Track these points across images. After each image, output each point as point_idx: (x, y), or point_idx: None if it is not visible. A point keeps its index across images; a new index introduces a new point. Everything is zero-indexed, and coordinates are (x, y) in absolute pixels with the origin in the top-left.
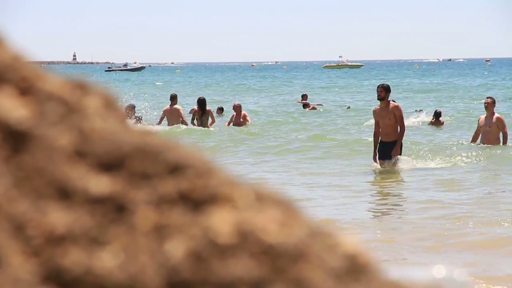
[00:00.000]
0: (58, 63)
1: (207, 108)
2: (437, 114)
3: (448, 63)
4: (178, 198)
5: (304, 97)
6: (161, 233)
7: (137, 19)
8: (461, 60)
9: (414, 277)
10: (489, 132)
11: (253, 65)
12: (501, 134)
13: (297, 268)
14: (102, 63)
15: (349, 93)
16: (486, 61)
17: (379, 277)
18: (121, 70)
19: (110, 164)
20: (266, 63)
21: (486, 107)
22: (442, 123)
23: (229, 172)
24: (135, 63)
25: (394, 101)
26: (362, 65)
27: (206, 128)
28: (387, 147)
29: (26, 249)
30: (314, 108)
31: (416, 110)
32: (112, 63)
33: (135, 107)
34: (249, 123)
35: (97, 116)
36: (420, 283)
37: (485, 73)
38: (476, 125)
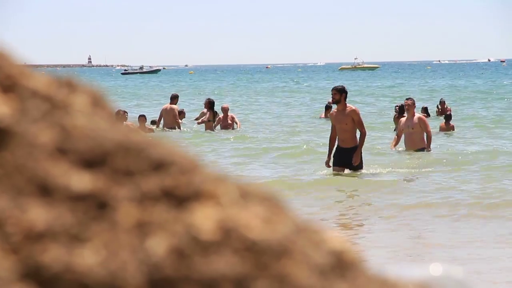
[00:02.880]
0: (74, 66)
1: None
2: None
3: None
4: (161, 194)
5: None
6: (143, 230)
7: (150, 22)
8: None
9: (410, 275)
10: (413, 134)
11: (267, 67)
12: (425, 135)
13: (280, 265)
14: (117, 65)
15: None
16: (501, 61)
17: (365, 274)
18: (137, 73)
19: (92, 161)
20: (280, 65)
21: (407, 109)
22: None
23: (213, 169)
24: (121, 66)
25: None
26: (378, 67)
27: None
28: (344, 154)
29: (4, 246)
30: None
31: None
32: (128, 66)
33: (126, 112)
34: (238, 126)
35: (80, 113)
36: (408, 280)
37: None
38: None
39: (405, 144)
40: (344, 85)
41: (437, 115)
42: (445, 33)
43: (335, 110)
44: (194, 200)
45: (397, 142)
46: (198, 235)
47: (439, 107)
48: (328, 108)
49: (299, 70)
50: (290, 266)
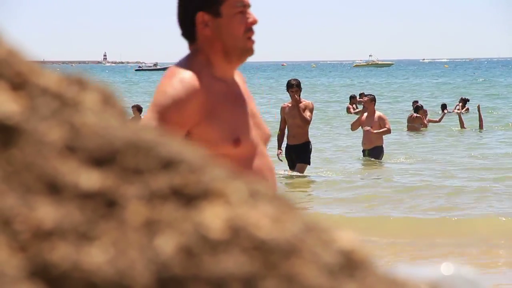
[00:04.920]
0: (89, 62)
1: None
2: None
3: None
4: (170, 193)
5: (362, 95)
6: (152, 228)
7: (165, 19)
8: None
9: (421, 275)
10: (371, 132)
11: (283, 65)
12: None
13: (289, 264)
14: (132, 62)
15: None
16: None
17: (375, 274)
18: (151, 69)
19: (101, 159)
20: (296, 62)
21: (366, 106)
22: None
23: (223, 168)
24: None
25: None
26: (392, 64)
27: None
28: (293, 152)
29: (12, 244)
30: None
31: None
32: (143, 62)
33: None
34: None
35: (90, 111)
36: (418, 280)
37: None
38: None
39: (362, 141)
40: (296, 78)
41: (458, 114)
42: (459, 31)
43: (288, 104)
44: (203, 199)
45: (356, 125)
46: (207, 234)
47: (460, 105)
48: (353, 98)
49: (313, 66)
50: (299, 266)
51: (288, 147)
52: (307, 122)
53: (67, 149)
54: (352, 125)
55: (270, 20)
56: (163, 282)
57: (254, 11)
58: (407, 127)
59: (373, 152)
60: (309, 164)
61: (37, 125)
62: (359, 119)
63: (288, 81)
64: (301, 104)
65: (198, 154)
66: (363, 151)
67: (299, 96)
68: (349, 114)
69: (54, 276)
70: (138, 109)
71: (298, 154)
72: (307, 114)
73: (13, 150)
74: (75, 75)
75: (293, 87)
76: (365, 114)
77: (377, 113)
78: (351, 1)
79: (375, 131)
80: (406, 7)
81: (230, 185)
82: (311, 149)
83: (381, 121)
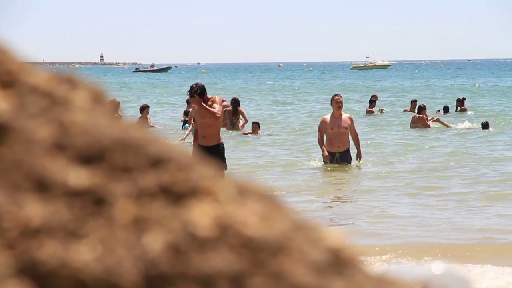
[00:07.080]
0: (86, 63)
1: (239, 108)
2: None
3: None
4: (158, 191)
5: (375, 97)
6: (140, 226)
7: (161, 20)
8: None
9: (412, 273)
10: (344, 134)
11: (279, 65)
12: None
13: (277, 262)
14: (129, 63)
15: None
16: None
17: (363, 272)
18: (148, 71)
19: (90, 157)
20: (293, 63)
21: (339, 107)
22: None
23: (211, 166)
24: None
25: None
26: (389, 65)
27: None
28: (205, 152)
29: (0, 241)
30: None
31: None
32: (140, 63)
33: (119, 103)
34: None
35: (79, 109)
36: (407, 278)
37: None
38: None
39: (330, 144)
40: (198, 83)
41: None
42: (455, 32)
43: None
44: (191, 197)
45: (322, 142)
46: (195, 231)
47: (457, 105)
48: (372, 102)
49: (311, 69)
50: (287, 263)
51: (200, 147)
52: (216, 117)
53: (56, 147)
54: (321, 132)
55: (267, 21)
56: (151, 279)
57: (251, 12)
58: (410, 127)
59: (345, 155)
60: (226, 169)
61: (26, 123)
62: (323, 122)
63: (190, 86)
64: (209, 102)
65: (187, 152)
66: (332, 154)
67: (205, 96)
68: (369, 115)
69: (42, 273)
70: (143, 108)
71: (211, 159)
72: (215, 108)
73: (2, 148)
74: (65, 73)
75: (191, 96)
76: (329, 116)
77: (346, 115)
78: (349, 3)
79: (360, 147)
80: (400, 9)
81: (218, 183)
82: (223, 150)
83: (352, 123)
